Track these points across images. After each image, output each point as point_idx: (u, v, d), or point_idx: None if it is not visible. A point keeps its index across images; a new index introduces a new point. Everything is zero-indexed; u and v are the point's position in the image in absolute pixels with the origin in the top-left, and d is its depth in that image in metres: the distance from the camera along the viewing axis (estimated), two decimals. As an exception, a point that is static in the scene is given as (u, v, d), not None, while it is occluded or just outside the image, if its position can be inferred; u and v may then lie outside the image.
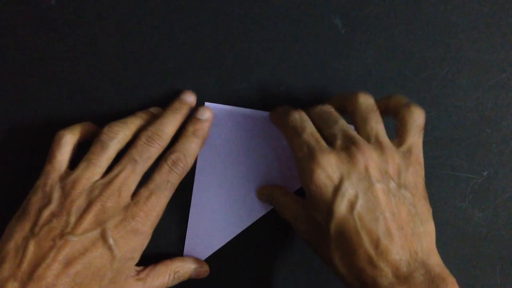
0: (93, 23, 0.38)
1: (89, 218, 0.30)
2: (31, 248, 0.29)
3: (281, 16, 0.38)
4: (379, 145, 0.30)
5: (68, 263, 0.29)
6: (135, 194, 0.32)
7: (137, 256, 0.32)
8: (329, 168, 0.29)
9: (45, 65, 0.38)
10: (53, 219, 0.30)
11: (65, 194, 0.31)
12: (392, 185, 0.30)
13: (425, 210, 0.31)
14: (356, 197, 0.29)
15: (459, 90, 0.38)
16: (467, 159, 0.38)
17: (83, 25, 0.38)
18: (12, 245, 0.30)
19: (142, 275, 0.33)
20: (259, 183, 0.37)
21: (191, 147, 0.34)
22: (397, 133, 0.33)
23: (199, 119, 0.35)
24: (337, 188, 0.29)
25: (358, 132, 0.32)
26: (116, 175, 0.31)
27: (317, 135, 0.32)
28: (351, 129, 0.32)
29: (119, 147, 0.33)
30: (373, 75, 0.38)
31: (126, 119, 0.34)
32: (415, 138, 0.32)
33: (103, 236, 0.30)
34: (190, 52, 0.38)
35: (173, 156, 0.33)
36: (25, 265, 0.29)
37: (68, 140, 0.33)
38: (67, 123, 0.38)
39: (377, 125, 0.31)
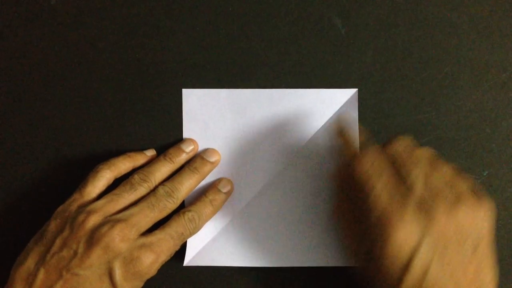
0: (93, 23, 0.38)
1: (97, 251, 0.30)
2: (41, 276, 0.29)
3: (281, 16, 0.38)
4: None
5: None
6: (148, 233, 0.32)
7: None
8: (406, 235, 0.27)
9: (45, 65, 0.38)
10: (64, 248, 0.30)
11: (79, 223, 0.30)
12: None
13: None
14: (431, 262, 0.27)
15: (459, 90, 0.38)
16: (467, 159, 0.38)
17: (83, 25, 0.38)
18: (24, 269, 0.30)
19: None
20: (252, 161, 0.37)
21: (205, 212, 0.35)
22: None
23: (220, 191, 0.36)
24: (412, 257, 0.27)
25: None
26: (132, 214, 0.31)
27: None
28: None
29: (145, 193, 0.34)
30: (373, 75, 0.38)
31: (154, 165, 0.35)
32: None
33: (110, 273, 0.30)
34: (190, 52, 0.38)
35: (189, 214, 0.34)
36: None
37: (104, 175, 0.34)
38: (66, 123, 0.37)
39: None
